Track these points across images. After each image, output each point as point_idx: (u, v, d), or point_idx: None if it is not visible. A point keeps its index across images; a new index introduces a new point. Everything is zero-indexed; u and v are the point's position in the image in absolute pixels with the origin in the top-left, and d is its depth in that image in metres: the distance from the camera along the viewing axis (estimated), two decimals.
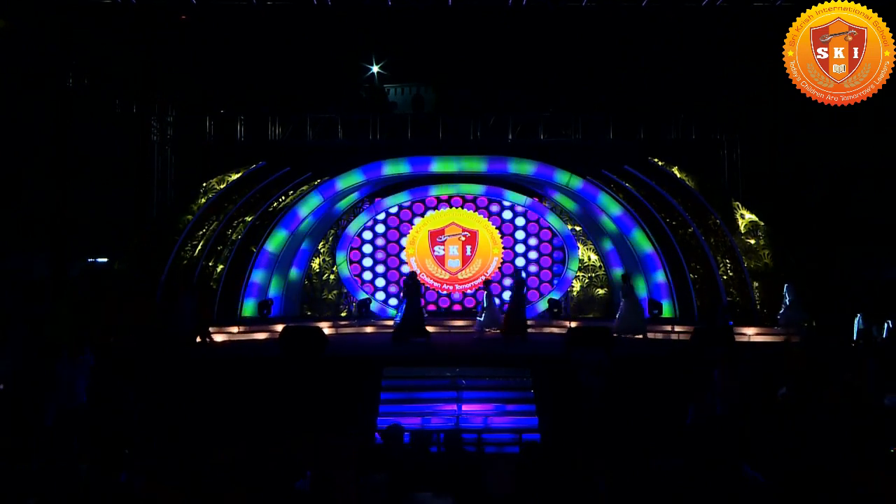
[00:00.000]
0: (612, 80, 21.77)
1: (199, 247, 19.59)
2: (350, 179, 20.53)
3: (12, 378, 12.06)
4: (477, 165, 20.72)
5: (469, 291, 22.07)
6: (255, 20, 19.46)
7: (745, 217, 19.65)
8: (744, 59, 20.35)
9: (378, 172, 20.63)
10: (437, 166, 20.82)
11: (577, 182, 20.34)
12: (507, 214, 22.37)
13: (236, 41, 20.83)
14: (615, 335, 16.78)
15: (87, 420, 11.09)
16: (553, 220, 21.95)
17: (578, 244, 22.00)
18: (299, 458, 7.95)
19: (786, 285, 17.17)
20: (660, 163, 20.53)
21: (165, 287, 18.38)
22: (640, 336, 17.45)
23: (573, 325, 18.65)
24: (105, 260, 20.94)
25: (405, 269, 21.90)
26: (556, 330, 19.44)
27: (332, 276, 22.03)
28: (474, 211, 22.22)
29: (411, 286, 17.58)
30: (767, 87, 20.10)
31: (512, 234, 22.31)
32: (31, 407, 10.87)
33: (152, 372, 13.73)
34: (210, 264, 19.56)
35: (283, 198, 20.57)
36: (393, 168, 20.66)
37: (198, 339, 17.08)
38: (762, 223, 19.48)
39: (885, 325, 15.19)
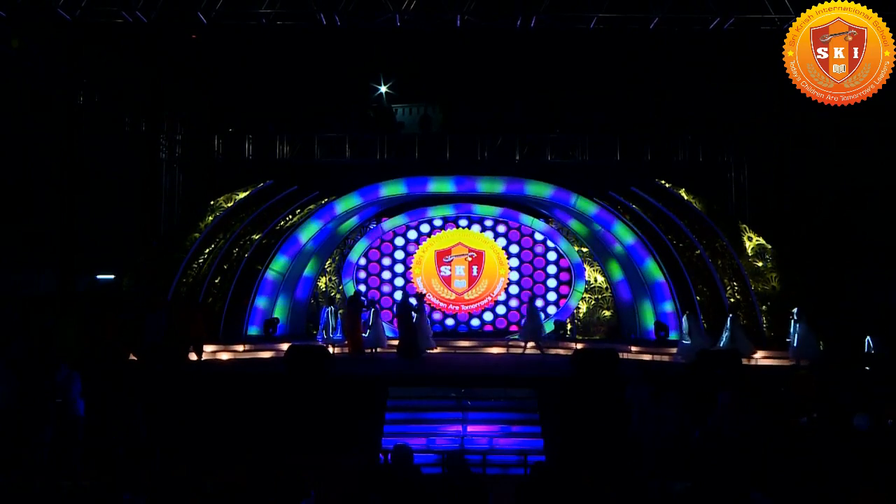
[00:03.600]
0: (619, 101, 21.81)
1: (206, 265, 19.62)
2: (353, 201, 20.50)
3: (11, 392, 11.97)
4: (495, 186, 20.68)
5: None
6: (264, 39, 19.55)
7: (753, 240, 19.58)
8: (751, 81, 20.36)
9: (389, 192, 20.64)
10: (442, 187, 20.79)
11: (588, 206, 20.28)
12: (515, 235, 22.31)
13: (245, 60, 20.99)
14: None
15: (87, 435, 11.05)
16: (561, 243, 21.86)
17: (585, 265, 21.90)
18: (303, 477, 7.88)
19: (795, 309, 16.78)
20: (667, 185, 20.51)
21: (172, 303, 18.37)
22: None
23: (579, 346, 18.58)
24: (111, 277, 20.96)
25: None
26: (561, 351, 19.33)
27: (338, 296, 21.96)
28: (481, 231, 22.18)
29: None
30: (774, 108, 20.09)
31: (518, 255, 22.23)
32: (30, 421, 10.79)
33: (157, 387, 13.70)
34: (217, 282, 19.58)
35: (291, 216, 20.59)
36: (392, 189, 20.62)
37: (192, 358, 17.03)
38: (769, 246, 19.40)
39: None
